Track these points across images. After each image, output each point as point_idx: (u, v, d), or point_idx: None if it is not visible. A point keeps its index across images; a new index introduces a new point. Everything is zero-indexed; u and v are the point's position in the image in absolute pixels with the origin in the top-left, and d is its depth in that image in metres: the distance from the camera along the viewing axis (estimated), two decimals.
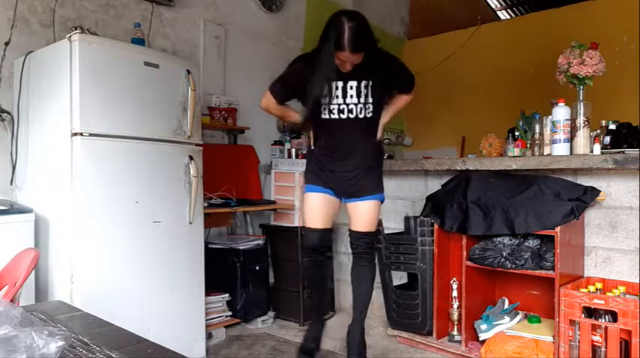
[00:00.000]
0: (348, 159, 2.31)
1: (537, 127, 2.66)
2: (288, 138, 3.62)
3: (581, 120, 2.40)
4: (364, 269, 2.41)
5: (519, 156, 2.57)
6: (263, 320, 3.18)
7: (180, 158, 2.48)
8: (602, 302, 2.13)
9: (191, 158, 2.50)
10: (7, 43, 2.50)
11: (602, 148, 2.40)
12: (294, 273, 3.21)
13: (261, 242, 3.23)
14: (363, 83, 2.23)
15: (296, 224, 3.26)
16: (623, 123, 2.71)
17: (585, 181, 2.46)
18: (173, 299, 2.44)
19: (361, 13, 2.21)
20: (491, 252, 2.50)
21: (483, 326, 2.55)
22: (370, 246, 2.41)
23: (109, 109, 2.20)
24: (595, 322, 2.16)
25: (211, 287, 2.87)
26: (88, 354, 0.98)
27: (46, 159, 2.28)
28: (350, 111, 2.24)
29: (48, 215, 2.24)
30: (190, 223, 2.51)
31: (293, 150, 3.54)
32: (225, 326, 2.98)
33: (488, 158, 2.79)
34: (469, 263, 2.58)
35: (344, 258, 3.43)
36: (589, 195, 2.35)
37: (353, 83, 2.22)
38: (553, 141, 2.46)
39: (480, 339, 2.56)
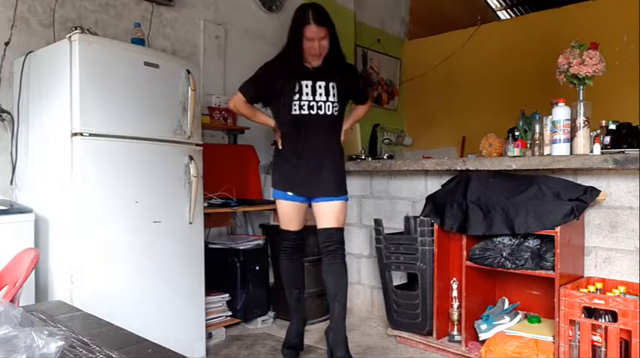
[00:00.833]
0: (314, 156, 2.45)
1: (537, 127, 2.65)
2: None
3: (581, 120, 2.40)
4: (338, 266, 2.46)
5: (519, 156, 2.57)
6: (263, 320, 3.18)
7: (180, 158, 2.48)
8: (602, 302, 2.13)
9: (191, 158, 2.50)
10: (7, 43, 2.50)
11: (602, 148, 2.40)
12: None
13: (261, 242, 3.23)
14: (331, 84, 2.43)
15: None
16: (623, 123, 2.71)
17: (585, 181, 2.46)
18: (173, 299, 2.44)
19: None
20: (491, 252, 2.50)
21: (483, 326, 2.55)
22: (341, 242, 2.49)
23: (109, 109, 2.20)
24: (595, 322, 2.16)
25: (211, 287, 2.87)
26: (88, 354, 0.98)
27: (46, 159, 2.28)
28: (319, 107, 2.42)
29: (48, 215, 2.24)
30: (190, 223, 2.52)
31: None
32: (225, 326, 2.98)
33: (488, 158, 2.78)
34: (469, 263, 2.58)
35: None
36: (589, 195, 2.35)
37: (321, 83, 2.42)
38: (553, 141, 2.46)
39: (480, 339, 2.56)
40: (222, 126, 3.38)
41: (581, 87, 2.41)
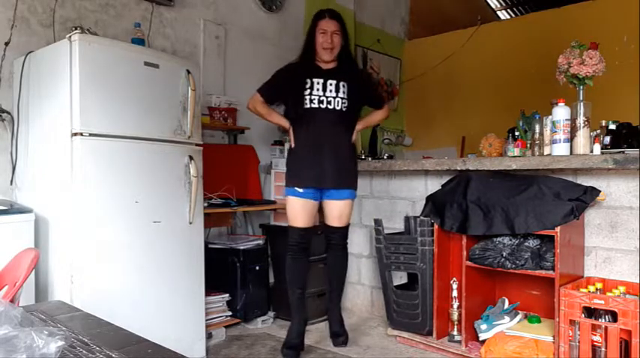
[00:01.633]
0: (322, 148, 2.59)
1: (537, 127, 2.65)
2: (288, 137, 3.62)
3: (581, 120, 2.40)
4: (341, 257, 2.82)
5: (519, 156, 2.57)
6: (263, 320, 3.18)
7: (180, 158, 2.48)
8: (602, 302, 2.13)
9: (191, 158, 2.50)
10: (7, 43, 2.50)
11: (602, 148, 2.40)
12: None
13: (261, 242, 3.23)
14: (341, 83, 2.62)
15: None
16: (623, 123, 2.71)
17: (585, 181, 2.46)
18: (173, 299, 2.44)
19: None
20: (491, 252, 2.50)
21: (483, 326, 2.55)
22: (345, 237, 2.80)
23: (109, 109, 2.20)
24: (595, 322, 2.16)
25: (211, 287, 2.87)
26: (88, 354, 0.98)
27: (46, 159, 2.28)
28: (329, 102, 2.60)
29: (48, 215, 2.24)
30: (190, 223, 2.51)
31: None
32: (225, 326, 2.98)
33: (488, 158, 2.79)
34: (469, 263, 2.58)
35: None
36: (589, 195, 2.35)
37: (332, 81, 2.61)
38: (553, 141, 2.46)
39: (480, 339, 2.56)
40: (222, 126, 3.38)
41: (581, 87, 2.41)
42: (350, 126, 2.69)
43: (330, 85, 2.59)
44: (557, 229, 2.29)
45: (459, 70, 5.16)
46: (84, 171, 2.12)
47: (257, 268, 3.15)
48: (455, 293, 2.68)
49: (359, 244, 3.49)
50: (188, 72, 2.49)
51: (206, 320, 2.67)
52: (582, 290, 2.24)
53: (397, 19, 5.61)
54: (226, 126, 3.36)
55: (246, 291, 3.08)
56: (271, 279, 3.38)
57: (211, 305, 2.88)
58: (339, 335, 2.81)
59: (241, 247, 3.09)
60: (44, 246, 2.23)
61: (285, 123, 2.72)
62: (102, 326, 1.20)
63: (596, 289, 2.25)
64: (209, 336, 2.81)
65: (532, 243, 2.46)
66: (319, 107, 2.58)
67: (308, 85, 2.58)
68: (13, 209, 2.21)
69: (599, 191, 2.37)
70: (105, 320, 1.24)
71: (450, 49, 5.13)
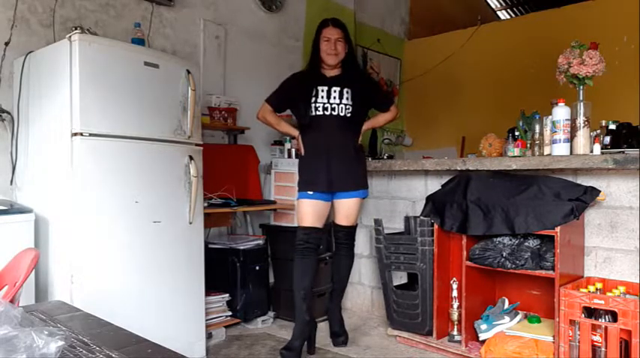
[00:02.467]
0: (329, 153, 2.66)
1: (537, 127, 2.65)
2: (288, 137, 3.62)
3: (581, 120, 2.40)
4: (346, 257, 2.87)
5: (519, 156, 2.57)
6: (263, 320, 3.18)
7: (180, 158, 2.48)
8: (602, 302, 2.13)
9: (191, 158, 2.50)
10: (7, 43, 2.50)
11: (602, 148, 2.40)
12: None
13: (261, 242, 3.23)
14: (345, 89, 2.68)
15: (296, 224, 3.25)
16: (623, 123, 2.71)
17: (585, 181, 2.46)
18: (173, 299, 2.44)
19: None
20: (491, 252, 2.50)
21: (483, 326, 2.55)
22: (351, 237, 2.86)
23: (109, 109, 2.20)
24: (595, 322, 2.16)
25: (211, 287, 2.87)
26: (88, 354, 0.98)
27: (46, 159, 2.28)
28: (333, 109, 2.67)
29: (48, 215, 2.24)
30: (190, 223, 2.51)
31: (293, 150, 3.53)
32: (225, 326, 2.98)
33: (488, 158, 2.79)
34: (469, 263, 2.58)
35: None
36: (589, 195, 2.35)
37: (336, 88, 2.68)
38: (553, 141, 2.46)
39: (480, 339, 2.56)
40: (222, 126, 3.37)
41: (581, 87, 2.41)
42: (356, 130, 2.76)
43: (334, 91, 2.67)
44: (557, 229, 2.29)
45: (459, 70, 5.16)
46: (84, 171, 2.12)
47: (257, 268, 3.15)
48: (455, 293, 2.67)
49: (359, 244, 3.48)
50: (188, 72, 2.49)
51: (206, 320, 2.67)
52: (582, 290, 2.24)
53: (397, 19, 5.61)
54: (226, 126, 3.36)
55: (246, 291, 3.08)
56: (271, 279, 3.38)
57: (211, 305, 2.88)
58: (339, 335, 2.83)
59: (241, 247, 3.09)
60: (44, 246, 2.23)
61: (293, 132, 2.80)
62: (102, 326, 1.20)
63: (596, 289, 2.25)
64: (209, 336, 2.81)
65: (532, 243, 2.46)
66: (324, 114, 2.66)
67: (313, 93, 2.67)
68: (13, 209, 2.21)
69: (599, 191, 2.37)
70: (105, 320, 1.24)
71: (450, 49, 5.13)
